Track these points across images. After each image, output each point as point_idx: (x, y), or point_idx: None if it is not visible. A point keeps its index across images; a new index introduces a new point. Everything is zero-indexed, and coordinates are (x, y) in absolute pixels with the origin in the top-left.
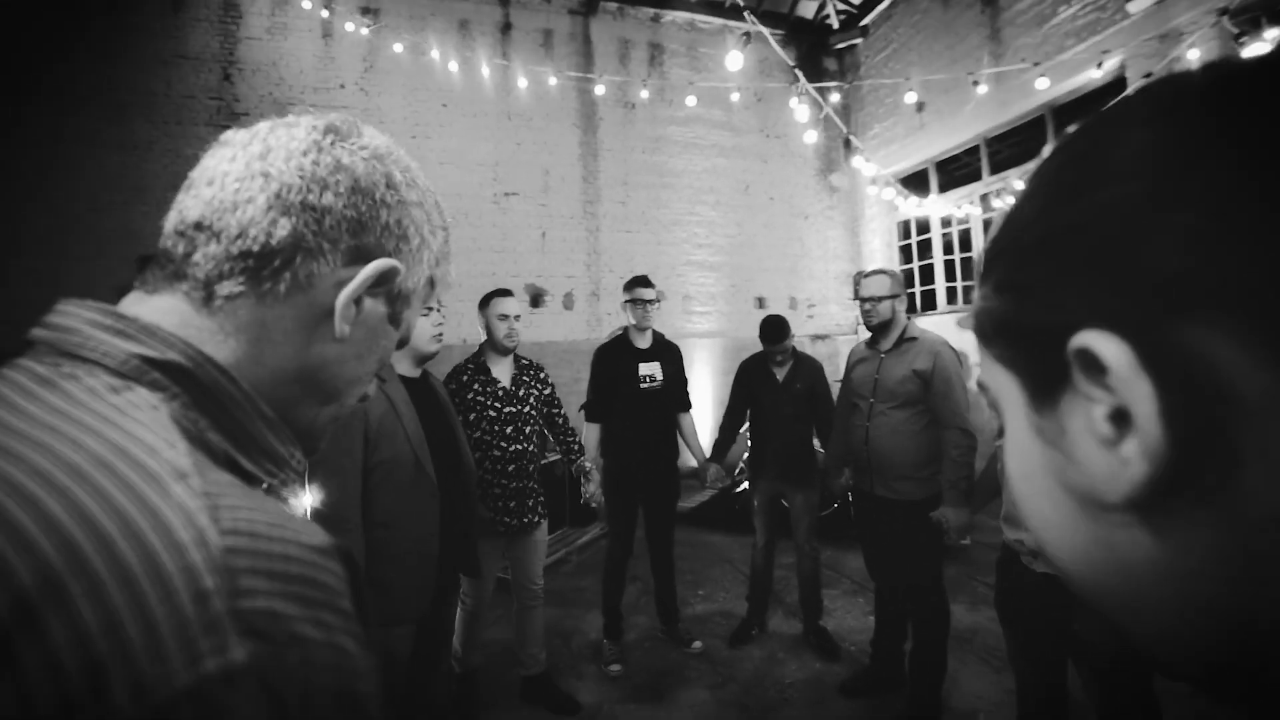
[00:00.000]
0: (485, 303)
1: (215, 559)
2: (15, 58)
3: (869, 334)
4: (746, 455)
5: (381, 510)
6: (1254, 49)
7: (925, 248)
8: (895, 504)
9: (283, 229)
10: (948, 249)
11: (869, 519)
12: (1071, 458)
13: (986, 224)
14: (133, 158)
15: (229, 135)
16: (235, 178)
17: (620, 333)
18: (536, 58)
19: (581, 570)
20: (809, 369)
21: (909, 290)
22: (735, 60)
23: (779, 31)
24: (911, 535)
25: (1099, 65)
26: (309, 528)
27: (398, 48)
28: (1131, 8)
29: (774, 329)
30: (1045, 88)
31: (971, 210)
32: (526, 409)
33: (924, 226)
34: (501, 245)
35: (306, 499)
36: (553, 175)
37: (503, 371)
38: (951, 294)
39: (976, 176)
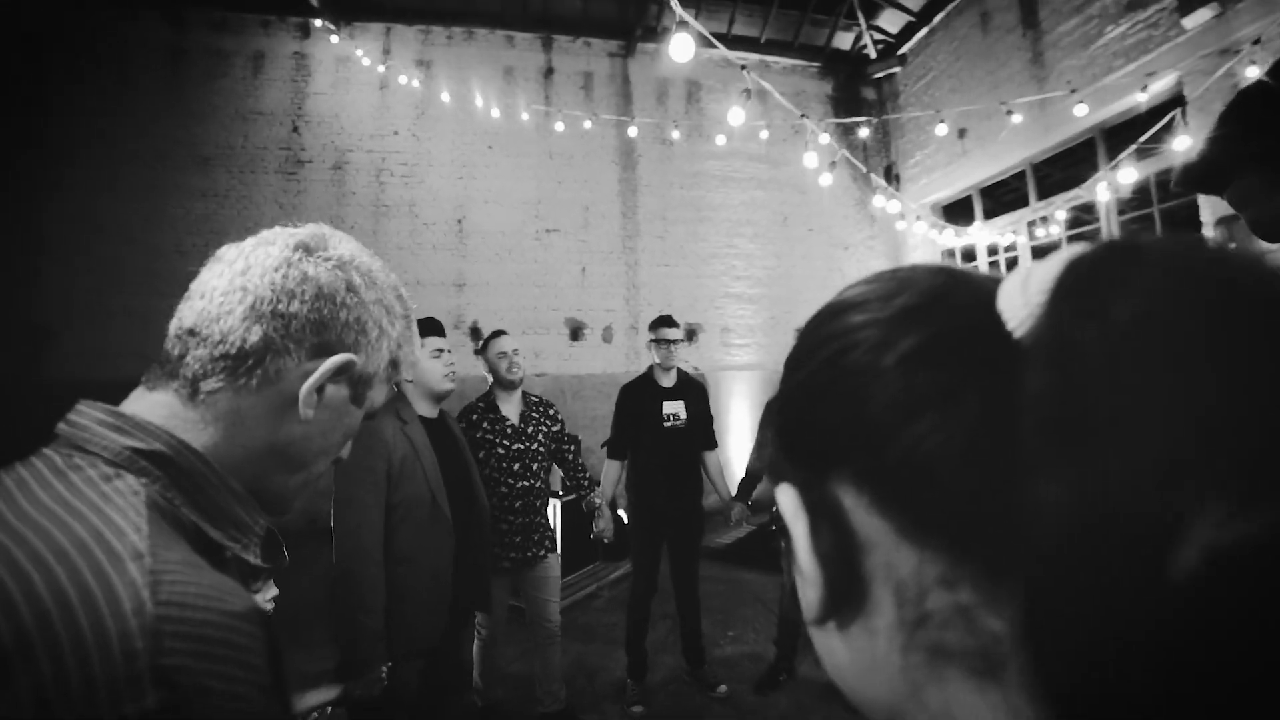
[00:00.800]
0: (485, 346)
1: (148, 625)
2: (120, 122)
3: None
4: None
5: (401, 546)
6: None
7: None
8: None
9: (255, 334)
10: None
11: None
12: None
13: (1035, 252)
14: (212, 204)
15: (223, 251)
16: (221, 292)
17: (645, 371)
18: (577, 99)
19: (612, 606)
20: None
21: None
22: (737, 116)
23: (815, 64)
24: None
25: (1143, 89)
26: (236, 596)
27: (445, 97)
28: (1187, 22)
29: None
30: (1084, 114)
31: (1017, 238)
32: (535, 446)
33: (971, 254)
34: (543, 280)
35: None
36: (592, 211)
37: (511, 409)
38: None
39: (1025, 201)
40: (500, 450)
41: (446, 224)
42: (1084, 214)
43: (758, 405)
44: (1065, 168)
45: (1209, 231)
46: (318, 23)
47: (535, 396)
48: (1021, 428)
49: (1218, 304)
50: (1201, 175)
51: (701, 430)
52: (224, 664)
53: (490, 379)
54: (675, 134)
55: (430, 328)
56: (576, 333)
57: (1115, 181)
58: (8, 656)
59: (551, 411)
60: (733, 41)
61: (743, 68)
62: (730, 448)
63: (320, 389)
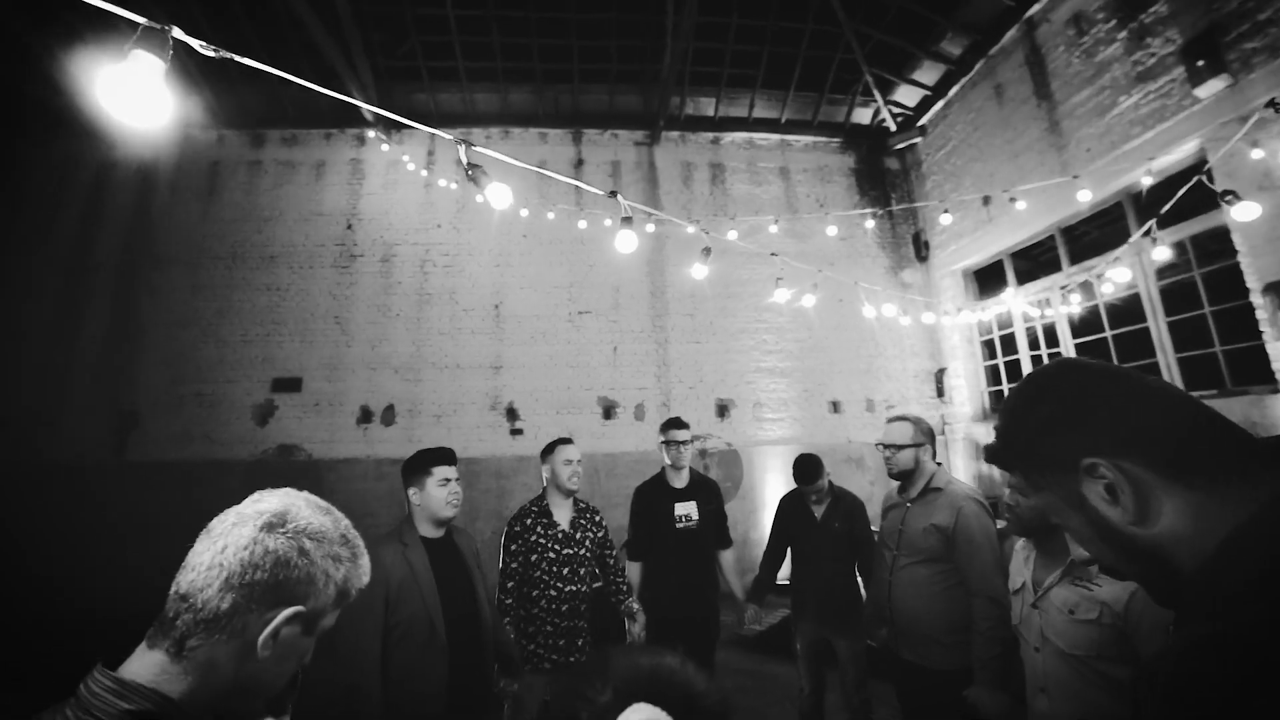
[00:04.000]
0: (550, 450)
1: None
2: (207, 231)
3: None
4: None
5: (396, 667)
6: None
7: (1010, 341)
8: (923, 671)
9: (227, 602)
10: (1034, 344)
11: (900, 684)
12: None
13: (1072, 321)
14: (275, 298)
15: (213, 524)
16: (205, 567)
17: (658, 472)
18: (606, 187)
19: None
20: (849, 507)
21: (995, 388)
22: (700, 271)
23: (835, 139)
24: (945, 712)
25: (1148, 173)
26: None
27: (479, 199)
28: (1200, 92)
29: (804, 469)
30: (1087, 199)
31: (1050, 310)
32: (583, 551)
33: (1007, 321)
34: (576, 360)
35: None
36: (623, 293)
37: (563, 515)
38: None
39: (1057, 265)
40: (551, 554)
41: (484, 309)
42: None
43: (790, 481)
44: (1101, 226)
45: (1256, 298)
46: (371, 133)
47: (584, 503)
48: None
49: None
50: (991, 460)
51: (714, 530)
52: None
53: (546, 481)
54: (691, 229)
55: (440, 457)
56: (609, 411)
57: (1147, 251)
58: None
59: (598, 518)
60: (754, 124)
61: (705, 232)
62: (763, 524)
63: (275, 633)
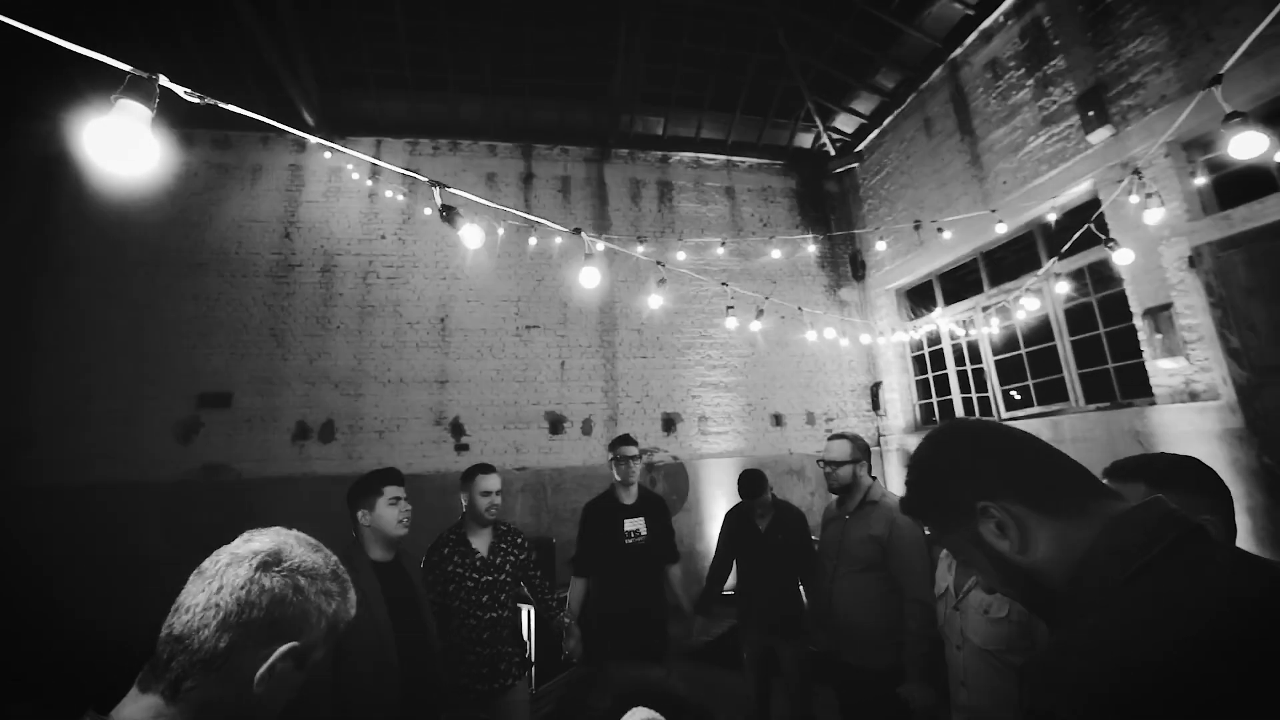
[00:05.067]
0: (470, 478)
1: None
2: (128, 233)
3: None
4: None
5: (347, 698)
6: (1200, 180)
7: (939, 357)
8: (862, 672)
9: (224, 642)
10: (959, 359)
11: (840, 686)
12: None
13: (991, 340)
14: (203, 307)
15: (205, 565)
16: (201, 607)
17: (608, 489)
18: (555, 202)
19: None
20: (791, 520)
21: (925, 401)
22: (656, 301)
23: (779, 162)
24: (880, 709)
25: (1053, 209)
26: None
27: (427, 211)
28: (1092, 138)
29: (749, 484)
30: (1004, 232)
31: (973, 329)
32: (503, 577)
33: (936, 338)
34: (523, 375)
35: None
36: (570, 308)
37: (481, 542)
38: (967, 404)
39: (980, 287)
40: (469, 583)
41: (430, 322)
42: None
43: (735, 494)
44: (1018, 251)
45: (1137, 321)
46: (313, 139)
47: (505, 526)
48: None
49: None
50: (906, 511)
51: (663, 545)
52: None
53: (465, 508)
54: (640, 249)
55: (389, 477)
56: (557, 426)
57: (1050, 279)
58: None
59: (520, 540)
60: (701, 144)
61: (659, 263)
62: (709, 536)
63: (271, 669)
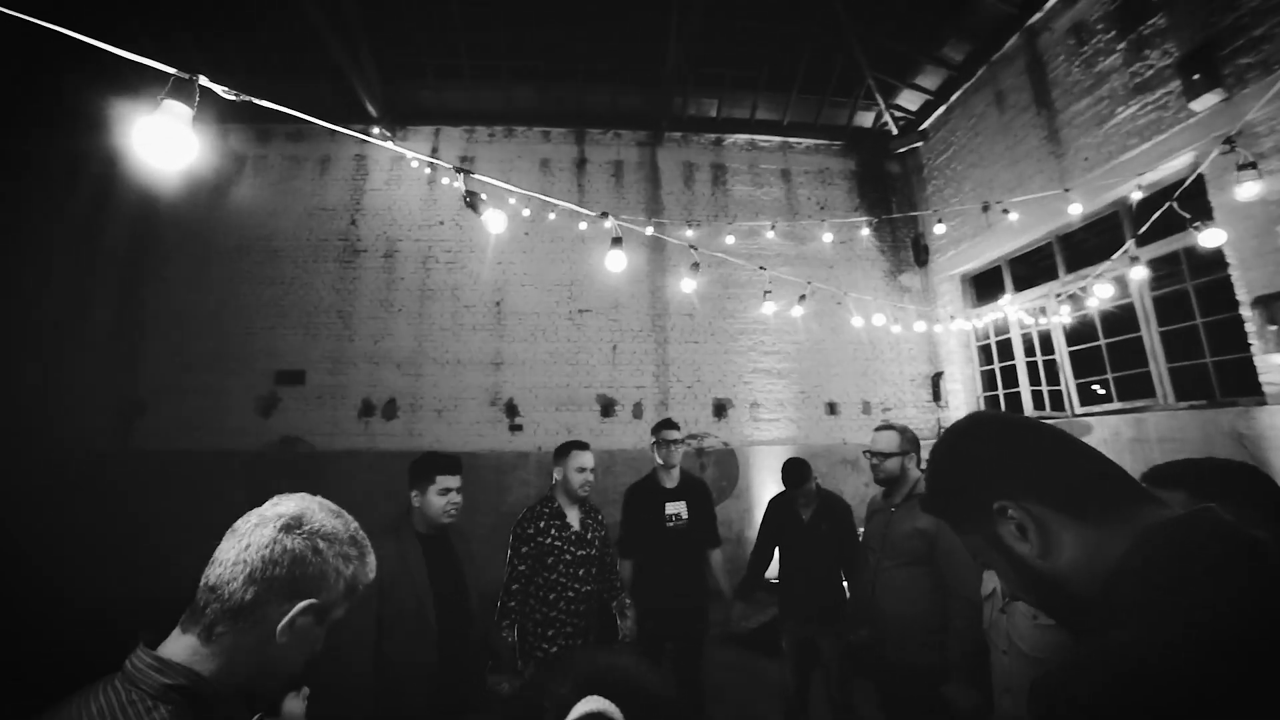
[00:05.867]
0: (565, 453)
1: None
2: (213, 225)
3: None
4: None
5: (388, 654)
6: None
7: (1007, 347)
8: (903, 669)
9: (250, 594)
10: (1029, 350)
11: (881, 681)
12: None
13: (1068, 332)
14: (279, 291)
15: (238, 524)
16: (231, 563)
17: (650, 472)
18: (608, 187)
19: None
20: (836, 510)
21: (991, 393)
22: (689, 285)
23: (837, 142)
24: (921, 707)
25: (1139, 188)
26: None
27: (484, 197)
28: (1195, 106)
29: (792, 472)
30: (1079, 212)
31: (1047, 318)
32: (593, 552)
33: (1004, 327)
34: (575, 358)
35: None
36: (623, 292)
37: (574, 517)
38: (1037, 398)
39: (1055, 272)
40: (568, 557)
41: (486, 306)
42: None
43: None
44: (1100, 233)
45: (1245, 311)
46: (375, 130)
47: (590, 504)
48: None
49: None
50: (925, 509)
51: (704, 529)
52: None
53: (556, 483)
54: (689, 232)
55: (445, 466)
56: (608, 409)
57: (1134, 265)
58: None
59: (600, 518)
60: (756, 125)
61: (693, 247)
62: (758, 523)
63: (292, 623)
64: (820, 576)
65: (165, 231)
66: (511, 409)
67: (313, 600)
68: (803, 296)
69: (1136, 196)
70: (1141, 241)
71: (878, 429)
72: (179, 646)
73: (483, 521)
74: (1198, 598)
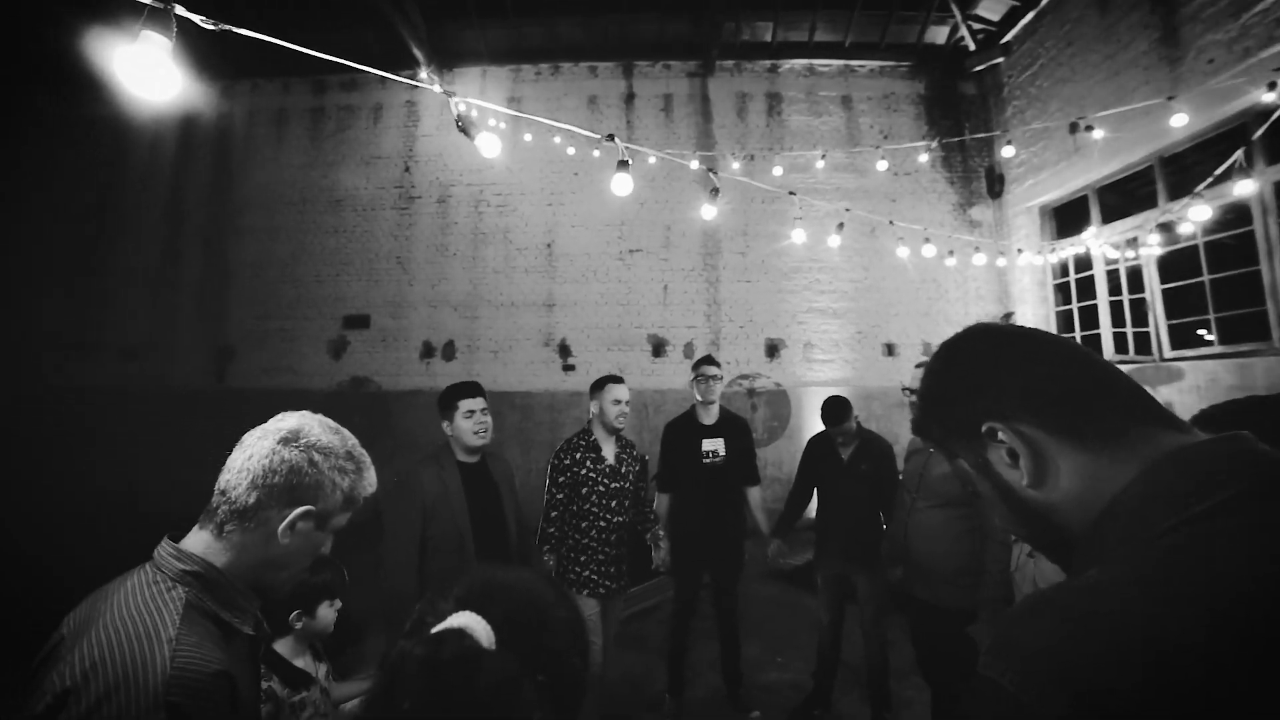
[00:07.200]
0: (600, 387)
1: (165, 676)
2: (279, 176)
3: None
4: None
5: (428, 575)
6: None
7: (1088, 285)
8: (934, 609)
9: (252, 498)
10: (1114, 289)
11: (914, 620)
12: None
13: (1161, 264)
14: (341, 240)
15: (245, 437)
16: (237, 470)
17: (689, 409)
18: (658, 122)
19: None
20: (876, 450)
21: (1068, 335)
22: (709, 212)
23: (905, 63)
24: (950, 646)
25: (1271, 86)
26: (216, 662)
27: (528, 137)
28: None
29: (832, 411)
30: (1183, 124)
31: (1136, 252)
32: (626, 485)
33: (1086, 262)
34: (626, 299)
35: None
36: (674, 231)
37: (609, 450)
38: (1119, 340)
39: (1153, 200)
40: (601, 488)
41: (537, 248)
42: (1231, 215)
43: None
44: (1218, 155)
45: None
46: (423, 74)
47: (625, 438)
48: None
49: None
50: (915, 432)
51: (742, 466)
52: (201, 700)
53: (593, 416)
54: (735, 164)
55: (464, 392)
56: (659, 349)
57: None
58: (76, 688)
59: (635, 452)
60: (815, 49)
61: (711, 171)
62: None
63: (292, 526)
64: (857, 515)
65: (236, 185)
66: (564, 349)
67: (309, 507)
68: (841, 225)
69: (1269, 99)
70: (1274, 159)
71: (918, 365)
72: (196, 540)
73: (537, 457)
74: (1209, 549)
